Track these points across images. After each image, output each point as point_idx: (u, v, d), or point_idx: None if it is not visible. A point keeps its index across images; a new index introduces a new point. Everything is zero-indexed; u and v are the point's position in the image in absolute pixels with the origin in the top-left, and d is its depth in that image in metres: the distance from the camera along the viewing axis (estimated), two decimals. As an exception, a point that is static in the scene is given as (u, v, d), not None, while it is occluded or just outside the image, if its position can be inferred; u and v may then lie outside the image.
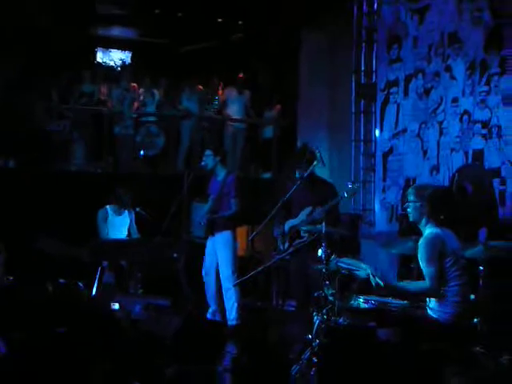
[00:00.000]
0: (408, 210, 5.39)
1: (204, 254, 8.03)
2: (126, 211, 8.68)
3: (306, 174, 6.92)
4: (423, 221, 5.30)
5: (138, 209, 8.70)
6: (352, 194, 6.89)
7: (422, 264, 5.15)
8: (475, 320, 5.62)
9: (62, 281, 7.29)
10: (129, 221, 8.68)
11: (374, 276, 5.20)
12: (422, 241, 5.20)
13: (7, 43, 10.76)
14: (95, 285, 7.73)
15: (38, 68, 11.65)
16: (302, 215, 7.07)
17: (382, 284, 5.20)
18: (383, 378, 4.94)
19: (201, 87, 12.49)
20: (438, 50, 8.94)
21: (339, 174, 10.10)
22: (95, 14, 12.80)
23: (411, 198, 5.37)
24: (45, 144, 11.21)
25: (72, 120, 11.59)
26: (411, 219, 5.39)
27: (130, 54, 14.80)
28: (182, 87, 12.37)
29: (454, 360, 5.26)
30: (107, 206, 8.64)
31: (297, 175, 7.00)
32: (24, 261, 8.02)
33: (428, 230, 5.25)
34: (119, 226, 8.64)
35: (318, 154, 6.99)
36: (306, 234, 6.71)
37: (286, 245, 6.90)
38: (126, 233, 8.68)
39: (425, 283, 5.14)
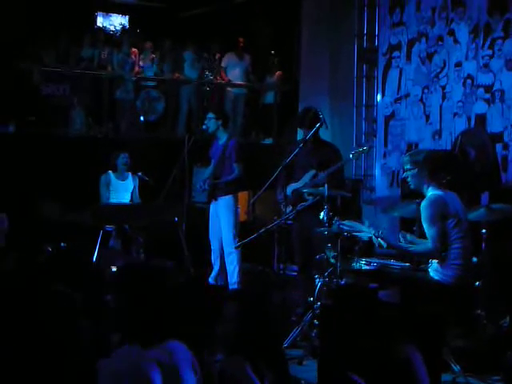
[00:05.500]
0: (407, 179, 5.37)
1: (205, 219, 8.03)
2: (130, 176, 8.68)
3: (309, 135, 6.84)
4: (424, 186, 5.29)
5: (139, 174, 8.70)
6: (358, 155, 6.84)
7: (424, 225, 5.15)
8: (477, 283, 5.63)
9: (63, 245, 7.29)
10: (132, 186, 8.68)
11: (376, 237, 5.21)
12: (424, 202, 5.20)
13: (6, 6, 10.67)
14: (97, 249, 7.74)
15: (36, 32, 11.59)
16: (306, 178, 7.00)
17: (384, 245, 5.21)
18: (384, 338, 4.95)
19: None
20: (441, 13, 8.85)
21: (341, 139, 10.02)
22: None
23: (407, 166, 5.34)
24: (44, 109, 11.15)
25: (71, 84, 11.53)
26: (413, 187, 5.37)
27: (130, 19, 14.71)
28: (183, 53, 12.27)
29: (455, 323, 5.29)
30: (110, 171, 8.63)
31: (299, 137, 6.93)
32: (26, 226, 8.03)
33: (430, 193, 5.24)
34: (122, 190, 8.63)
35: (321, 116, 6.92)
36: (310, 197, 6.68)
37: (290, 209, 6.84)
38: (130, 198, 8.68)
39: (427, 244, 5.14)
